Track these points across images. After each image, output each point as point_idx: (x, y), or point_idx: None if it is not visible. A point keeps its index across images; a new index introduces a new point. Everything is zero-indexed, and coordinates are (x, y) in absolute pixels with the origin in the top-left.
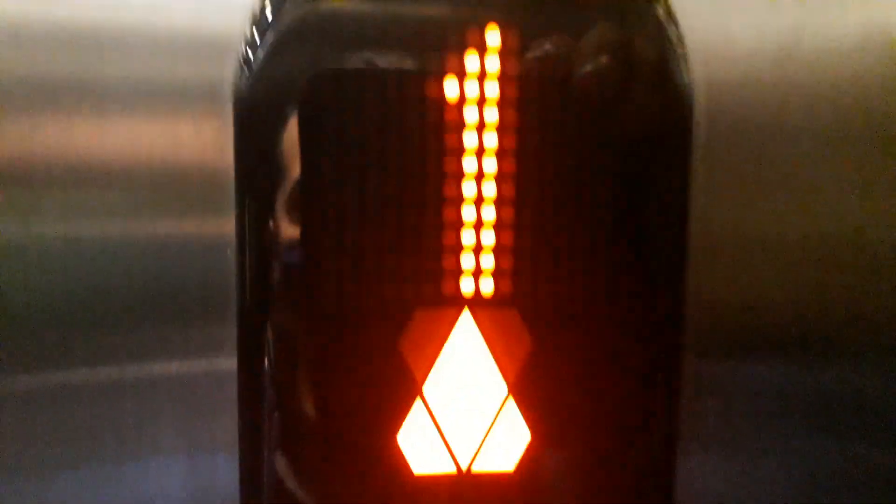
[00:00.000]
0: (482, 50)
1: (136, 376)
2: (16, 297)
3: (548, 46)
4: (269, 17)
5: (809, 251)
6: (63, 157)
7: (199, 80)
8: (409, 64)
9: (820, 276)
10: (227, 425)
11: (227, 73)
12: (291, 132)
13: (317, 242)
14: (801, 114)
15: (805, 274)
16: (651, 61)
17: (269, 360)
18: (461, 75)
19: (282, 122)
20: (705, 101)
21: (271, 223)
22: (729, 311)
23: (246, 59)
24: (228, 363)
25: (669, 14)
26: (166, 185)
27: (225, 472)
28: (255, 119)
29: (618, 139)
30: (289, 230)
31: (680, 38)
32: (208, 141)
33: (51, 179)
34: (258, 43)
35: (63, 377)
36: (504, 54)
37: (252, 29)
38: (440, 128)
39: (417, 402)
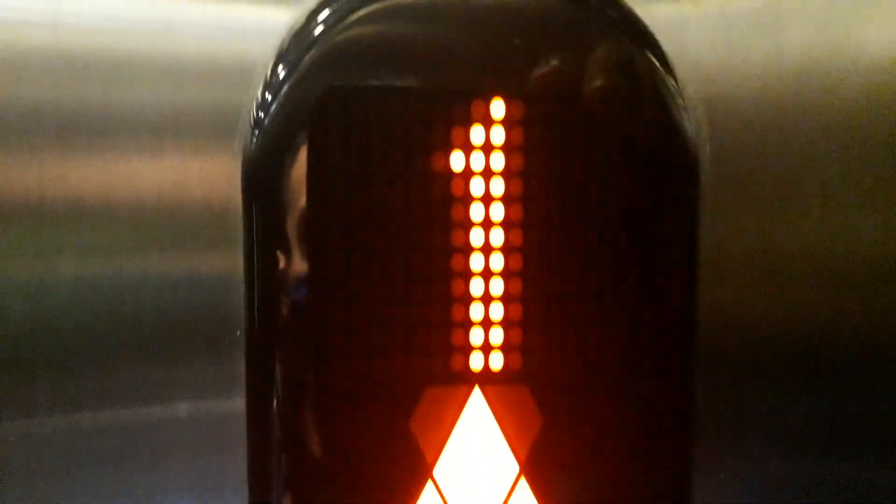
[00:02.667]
0: (487, 122)
1: (146, 416)
2: (23, 335)
3: (551, 120)
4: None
5: (819, 269)
6: (69, 193)
7: (206, 109)
8: (412, 136)
9: (830, 294)
10: (236, 465)
11: (236, 102)
12: (294, 209)
13: (324, 320)
14: (810, 128)
15: (814, 292)
16: (656, 126)
17: (278, 402)
18: (467, 148)
19: (287, 201)
20: (709, 120)
21: (279, 261)
22: (741, 332)
23: (256, 122)
24: (237, 403)
25: (668, 69)
26: (174, 220)
27: None
28: (262, 188)
29: (623, 210)
30: (296, 310)
31: (679, 91)
32: (216, 173)
33: (58, 216)
34: (267, 107)
35: (73, 418)
36: (509, 127)
37: (263, 91)
38: (446, 202)
39: (428, 485)
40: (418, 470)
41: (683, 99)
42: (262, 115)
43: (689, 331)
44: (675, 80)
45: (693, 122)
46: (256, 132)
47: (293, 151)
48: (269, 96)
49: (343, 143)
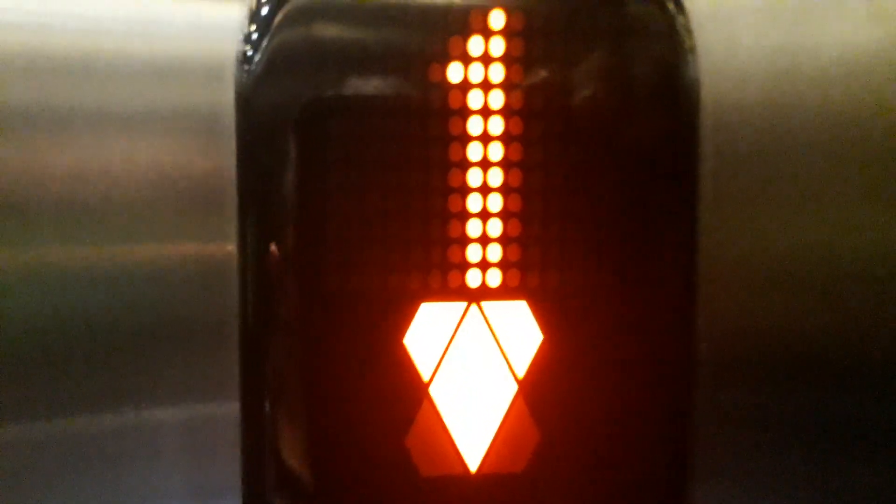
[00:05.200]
0: (486, 34)
1: (137, 417)
2: (8, 331)
3: (552, 32)
4: (266, 13)
5: (823, 270)
6: (59, 182)
7: (196, 102)
8: (409, 47)
9: (833, 296)
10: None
11: (219, 97)
12: (290, 136)
13: (320, 235)
14: (810, 129)
15: (817, 293)
16: (659, 51)
17: (274, 362)
18: (466, 59)
19: (282, 127)
20: (711, 119)
21: (273, 224)
22: (740, 334)
23: (245, 58)
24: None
25: (678, 4)
26: (166, 210)
27: None
28: (256, 121)
29: (625, 127)
30: (291, 227)
31: (688, 30)
32: (205, 164)
33: (45, 205)
34: (256, 40)
35: (61, 422)
36: (509, 38)
37: (249, 24)
38: (444, 115)
39: (425, 402)
40: (415, 387)
41: (691, 40)
42: (250, 50)
43: (690, 248)
44: (686, 19)
45: (696, 64)
46: (246, 67)
47: (286, 71)
48: (255, 29)
49: (339, 56)
